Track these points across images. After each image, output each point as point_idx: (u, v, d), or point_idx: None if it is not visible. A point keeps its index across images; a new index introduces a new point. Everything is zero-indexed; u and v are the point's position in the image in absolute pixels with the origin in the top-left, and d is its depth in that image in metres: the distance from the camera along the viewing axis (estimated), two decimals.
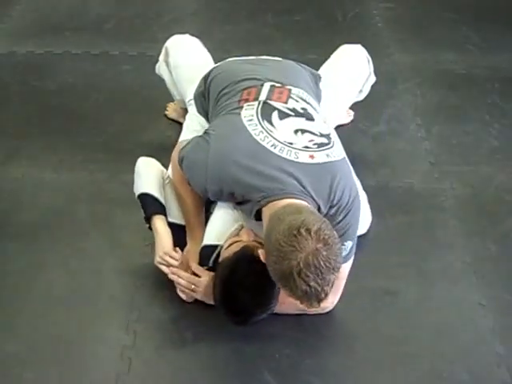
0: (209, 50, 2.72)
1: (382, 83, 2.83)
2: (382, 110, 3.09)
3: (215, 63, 2.61)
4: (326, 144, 2.04)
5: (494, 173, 2.78)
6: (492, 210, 2.61)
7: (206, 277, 2.08)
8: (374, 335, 2.13)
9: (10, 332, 2.09)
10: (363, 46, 2.68)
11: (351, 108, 2.87)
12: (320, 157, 1.99)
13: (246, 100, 2.14)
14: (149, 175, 2.26)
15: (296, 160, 1.96)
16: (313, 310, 2.01)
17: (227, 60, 2.52)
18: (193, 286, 2.09)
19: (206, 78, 2.42)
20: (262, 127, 2.03)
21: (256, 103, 2.12)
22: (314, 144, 2.02)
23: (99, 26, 3.65)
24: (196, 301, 2.15)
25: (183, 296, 2.15)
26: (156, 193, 2.20)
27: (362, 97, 2.69)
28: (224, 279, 1.96)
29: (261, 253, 1.85)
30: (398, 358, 2.07)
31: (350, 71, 2.60)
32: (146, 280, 2.26)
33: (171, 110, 2.98)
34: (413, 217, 2.54)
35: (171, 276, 2.10)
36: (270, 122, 2.05)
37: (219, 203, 2.18)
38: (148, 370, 2.00)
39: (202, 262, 2.12)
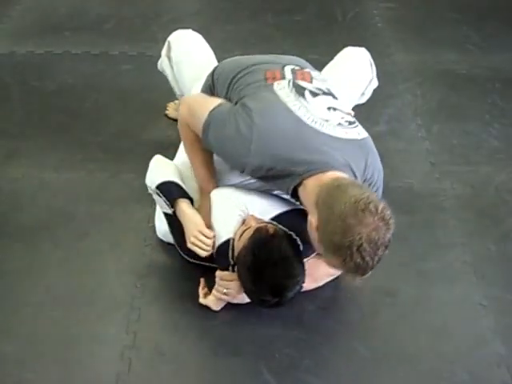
0: None
1: (382, 83, 2.82)
2: (382, 110, 3.09)
3: (217, 61, 2.61)
4: (354, 122, 2.11)
5: (493, 173, 2.78)
6: (492, 210, 2.61)
7: (234, 277, 2.08)
8: (374, 335, 2.13)
9: (9, 332, 2.09)
10: (363, 45, 2.68)
11: (351, 108, 2.87)
12: (353, 134, 2.05)
13: (273, 79, 2.15)
14: (168, 166, 2.29)
15: (335, 135, 2.01)
16: (326, 279, 2.20)
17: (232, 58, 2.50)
18: (225, 290, 2.09)
19: (212, 72, 2.41)
20: (301, 103, 2.07)
21: (286, 81, 2.14)
22: (346, 121, 2.08)
23: (99, 26, 3.65)
24: (196, 301, 2.15)
25: (214, 307, 2.14)
26: (179, 181, 2.22)
27: (363, 100, 2.69)
28: (249, 265, 1.97)
29: (311, 221, 1.86)
30: (398, 357, 2.07)
31: (352, 74, 2.60)
32: (146, 280, 2.25)
33: (171, 110, 2.98)
34: (413, 217, 2.54)
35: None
36: (305, 99, 2.09)
37: (215, 197, 2.18)
38: (148, 370, 2.00)
39: (222, 263, 2.11)
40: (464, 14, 3.91)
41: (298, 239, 2.10)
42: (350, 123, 2.09)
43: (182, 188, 2.22)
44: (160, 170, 2.28)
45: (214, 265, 2.15)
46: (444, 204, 2.62)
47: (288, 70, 2.21)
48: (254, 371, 2.00)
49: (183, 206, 2.20)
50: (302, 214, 2.16)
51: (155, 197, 2.26)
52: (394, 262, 2.33)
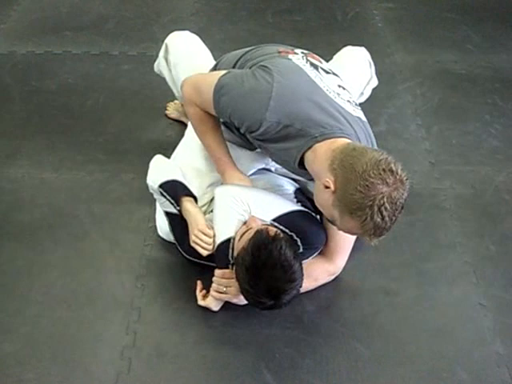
0: (208, 50, 2.71)
1: (382, 83, 2.83)
2: (382, 109, 3.09)
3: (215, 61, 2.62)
4: (358, 105, 2.16)
5: (493, 173, 2.78)
6: (492, 210, 2.61)
7: (232, 275, 2.08)
8: (374, 335, 2.13)
9: (9, 332, 2.09)
10: (363, 45, 2.68)
11: None
12: (359, 113, 2.10)
13: (287, 53, 2.18)
14: (170, 165, 2.30)
15: (346, 109, 2.05)
16: (326, 278, 2.21)
17: None
18: (223, 289, 2.10)
19: (215, 65, 2.42)
20: (316, 73, 2.10)
21: (299, 55, 2.18)
22: (353, 101, 2.13)
23: (99, 25, 3.66)
24: (196, 301, 2.15)
25: (214, 308, 2.14)
26: (182, 179, 2.23)
27: (362, 99, 2.69)
28: (247, 265, 1.97)
29: (327, 183, 1.85)
30: (398, 357, 2.07)
31: (351, 73, 2.60)
32: (146, 280, 2.26)
33: (171, 110, 2.98)
34: (413, 217, 2.54)
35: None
36: (319, 72, 2.12)
37: (218, 195, 2.17)
38: (148, 370, 2.00)
39: (221, 262, 2.11)
40: (464, 14, 3.91)
41: (299, 241, 2.11)
42: (356, 104, 2.14)
43: (185, 186, 2.23)
44: (162, 169, 2.28)
45: (213, 264, 2.15)
46: (444, 204, 2.62)
47: (298, 50, 2.25)
48: (254, 371, 2.00)
49: (188, 204, 2.21)
50: (303, 215, 2.16)
51: (157, 196, 2.26)
52: (394, 262, 2.34)
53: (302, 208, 2.19)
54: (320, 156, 1.94)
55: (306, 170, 2.04)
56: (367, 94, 2.70)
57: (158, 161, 2.32)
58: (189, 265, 2.27)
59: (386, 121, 3.03)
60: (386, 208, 1.77)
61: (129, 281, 2.25)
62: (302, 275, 2.00)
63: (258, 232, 2.01)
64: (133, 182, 2.57)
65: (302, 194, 2.29)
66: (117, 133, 2.90)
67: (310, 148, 1.98)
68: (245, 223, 2.12)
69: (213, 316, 2.13)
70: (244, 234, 2.07)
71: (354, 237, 2.17)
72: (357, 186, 1.78)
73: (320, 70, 2.16)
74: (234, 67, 2.27)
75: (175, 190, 2.21)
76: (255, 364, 2.02)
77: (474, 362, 2.07)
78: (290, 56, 2.16)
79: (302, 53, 2.24)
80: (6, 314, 2.14)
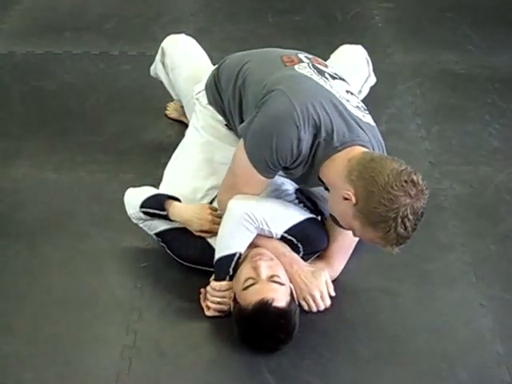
0: (208, 50, 2.72)
1: (382, 83, 2.83)
2: (382, 109, 3.09)
3: (214, 63, 2.61)
4: (367, 109, 2.14)
5: (493, 173, 2.78)
6: (492, 210, 2.61)
7: (228, 286, 2.08)
8: (374, 335, 2.13)
9: (10, 332, 2.09)
10: (363, 45, 2.68)
11: None
12: (369, 119, 2.09)
13: (292, 62, 2.14)
14: (142, 188, 2.28)
15: (357, 115, 2.04)
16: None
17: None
18: (218, 300, 2.09)
19: (218, 67, 2.40)
20: (324, 81, 2.08)
21: (305, 64, 2.15)
22: (362, 106, 2.12)
23: (99, 25, 3.65)
24: (195, 302, 2.15)
25: (208, 313, 2.13)
26: (158, 191, 2.23)
27: (360, 97, 2.68)
28: (245, 330, 1.98)
29: (347, 195, 1.85)
30: (398, 357, 2.07)
31: (348, 71, 2.60)
32: (146, 280, 2.26)
33: (171, 110, 2.98)
34: None
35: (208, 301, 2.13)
36: (327, 79, 2.10)
37: (230, 208, 2.09)
38: (148, 370, 2.00)
39: (219, 275, 2.10)
40: (463, 15, 3.90)
41: (302, 247, 2.13)
42: (365, 109, 2.13)
43: (165, 194, 2.21)
44: (136, 194, 2.27)
45: (212, 269, 2.15)
46: (444, 204, 2.62)
47: (302, 56, 2.22)
48: (254, 371, 2.00)
49: (172, 204, 2.18)
50: (311, 223, 2.16)
51: (142, 222, 2.25)
52: (394, 262, 2.34)
53: (310, 215, 2.18)
54: (337, 165, 1.93)
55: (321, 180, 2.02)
56: (365, 92, 2.70)
57: (129, 192, 2.30)
58: (189, 265, 2.26)
59: (386, 121, 3.02)
60: (409, 219, 1.79)
61: (129, 281, 2.25)
62: (298, 322, 1.99)
63: (262, 302, 1.92)
64: (133, 182, 2.55)
65: (302, 194, 2.29)
66: (117, 133, 2.90)
67: (328, 158, 1.97)
68: (249, 246, 2.09)
69: (212, 316, 2.12)
70: (250, 286, 1.99)
71: (355, 242, 2.18)
72: (380, 200, 1.78)
73: (327, 75, 2.14)
74: (235, 80, 2.23)
75: (156, 200, 2.19)
76: (255, 364, 2.01)
77: (474, 362, 2.06)
78: (296, 66, 2.12)
79: (307, 58, 2.21)
80: (6, 314, 2.14)
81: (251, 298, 1.96)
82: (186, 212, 2.19)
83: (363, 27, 3.76)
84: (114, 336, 2.08)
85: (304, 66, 2.13)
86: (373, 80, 2.69)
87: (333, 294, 2.12)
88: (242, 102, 2.20)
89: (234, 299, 2.04)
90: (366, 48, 2.66)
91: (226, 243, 2.10)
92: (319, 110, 1.96)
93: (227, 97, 2.28)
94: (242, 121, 2.18)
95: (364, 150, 1.96)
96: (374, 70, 2.68)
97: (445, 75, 3.38)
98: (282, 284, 2.00)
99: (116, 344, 2.05)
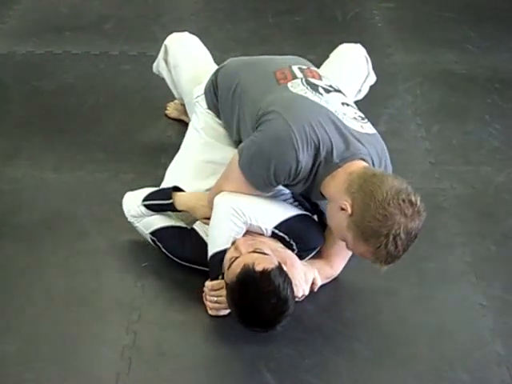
0: (208, 50, 2.71)
1: (382, 83, 2.83)
2: (382, 110, 3.09)
3: (215, 62, 2.61)
4: (365, 118, 2.13)
5: (493, 173, 2.78)
6: (492, 210, 2.61)
7: (222, 286, 2.07)
8: (375, 335, 2.13)
9: (10, 332, 2.09)
10: (363, 45, 2.68)
11: None
12: (367, 128, 2.08)
13: (285, 79, 2.15)
14: (141, 190, 2.28)
15: (354, 128, 2.03)
16: (324, 280, 2.16)
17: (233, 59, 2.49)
18: (215, 299, 2.09)
19: (215, 73, 2.40)
20: (319, 97, 2.08)
21: (299, 80, 2.15)
22: (359, 116, 2.11)
23: (99, 25, 3.65)
24: (195, 301, 2.15)
25: (210, 312, 2.13)
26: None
27: (360, 96, 2.69)
28: (236, 303, 1.97)
29: (343, 206, 1.86)
30: (398, 357, 2.07)
31: (348, 70, 2.60)
32: (146, 280, 2.26)
33: (171, 110, 2.98)
34: None
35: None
36: (321, 94, 2.10)
37: (217, 205, 2.10)
38: (148, 370, 2.00)
39: (213, 273, 2.10)
40: (464, 14, 3.90)
41: (296, 245, 2.11)
42: (363, 118, 2.12)
43: (170, 186, 2.22)
44: (137, 193, 2.28)
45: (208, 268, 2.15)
46: (444, 204, 2.62)
47: (296, 69, 2.22)
48: (254, 371, 2.00)
49: (177, 194, 2.20)
50: (303, 219, 2.15)
51: (139, 221, 2.25)
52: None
53: (301, 211, 2.17)
54: (337, 180, 1.94)
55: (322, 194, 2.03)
56: (365, 91, 2.69)
57: (128, 193, 2.31)
58: (186, 264, 2.26)
59: (386, 121, 3.03)
60: (400, 238, 1.80)
61: (129, 281, 2.25)
62: (294, 301, 1.97)
63: (245, 268, 1.93)
64: (133, 182, 2.56)
65: (302, 195, 2.29)
66: (117, 133, 2.90)
67: (329, 174, 1.97)
68: (233, 243, 2.06)
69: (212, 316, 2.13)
70: (233, 263, 2.00)
71: None
72: (375, 214, 1.79)
73: (321, 90, 2.12)
74: (232, 97, 2.25)
75: (163, 192, 2.21)
76: (255, 364, 2.02)
77: (474, 362, 2.06)
78: (289, 84, 2.12)
79: (300, 70, 2.20)
80: (6, 314, 2.14)
81: (235, 270, 1.95)
82: (191, 200, 2.20)
83: (363, 27, 3.76)
84: (114, 336, 2.08)
85: (297, 83, 2.13)
86: (373, 78, 2.69)
87: (315, 289, 2.12)
88: (239, 119, 2.23)
89: (226, 284, 2.03)
90: (365, 48, 2.66)
91: (214, 240, 2.10)
92: (317, 129, 1.97)
93: (225, 108, 2.31)
94: (238, 132, 2.23)
95: (364, 164, 1.97)
96: (374, 70, 2.67)
97: (445, 75, 3.38)
98: (266, 254, 1.99)
99: (116, 344, 2.05)
